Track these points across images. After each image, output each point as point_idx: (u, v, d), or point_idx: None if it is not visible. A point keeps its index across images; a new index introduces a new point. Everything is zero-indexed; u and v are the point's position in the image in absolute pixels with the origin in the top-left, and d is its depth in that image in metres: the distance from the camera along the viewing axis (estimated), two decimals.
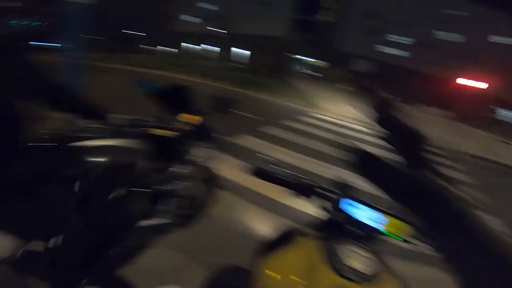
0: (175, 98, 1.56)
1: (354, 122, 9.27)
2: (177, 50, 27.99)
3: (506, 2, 27.72)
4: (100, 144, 1.14)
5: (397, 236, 0.73)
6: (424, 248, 0.71)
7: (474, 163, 8.12)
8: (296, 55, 16.80)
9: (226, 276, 0.96)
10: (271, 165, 0.86)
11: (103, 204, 1.14)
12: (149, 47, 23.52)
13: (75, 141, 1.08)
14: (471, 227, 0.32)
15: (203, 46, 28.06)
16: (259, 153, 4.29)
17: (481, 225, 0.32)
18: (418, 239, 0.74)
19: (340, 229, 0.75)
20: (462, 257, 0.33)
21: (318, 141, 5.79)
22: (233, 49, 30.41)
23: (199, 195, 1.87)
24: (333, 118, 9.43)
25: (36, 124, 0.91)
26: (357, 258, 0.67)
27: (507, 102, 34.50)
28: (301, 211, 2.75)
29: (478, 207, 3.92)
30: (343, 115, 10.14)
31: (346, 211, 0.75)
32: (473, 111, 19.34)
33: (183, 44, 32.25)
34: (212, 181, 2.04)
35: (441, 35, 34.42)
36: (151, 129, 1.41)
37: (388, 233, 0.73)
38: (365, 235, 0.75)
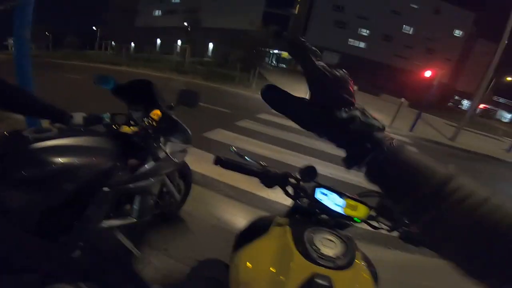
0: (138, 93, 1.50)
1: None
2: (147, 46, 26.87)
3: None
4: (61, 143, 1.08)
5: (356, 218, 0.76)
6: (381, 228, 0.77)
7: (433, 148, 8.72)
8: (266, 48, 16.79)
9: (203, 269, 0.96)
10: (237, 154, 0.88)
11: (70, 206, 1.09)
12: (113, 43, 22.35)
13: (34, 142, 1.02)
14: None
15: (172, 40, 27.20)
16: (231, 145, 4.27)
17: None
18: (376, 220, 0.78)
19: (311, 216, 0.77)
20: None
21: (288, 131, 5.86)
22: (203, 43, 29.80)
23: (171, 191, 1.84)
24: None
25: None
26: (328, 245, 0.69)
27: (463, 91, 37.42)
28: (274, 201, 2.79)
29: None
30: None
31: (317, 199, 0.76)
32: (433, 101, 20.68)
33: (152, 39, 31.05)
34: (184, 176, 2.01)
35: (403, 28, 36.24)
36: (116, 126, 1.36)
37: (346, 215, 0.76)
38: (334, 222, 0.77)
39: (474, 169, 6.80)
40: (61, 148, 1.07)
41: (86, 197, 1.16)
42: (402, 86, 27.66)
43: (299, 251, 0.66)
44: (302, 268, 0.63)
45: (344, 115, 0.34)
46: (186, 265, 1.77)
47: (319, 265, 0.63)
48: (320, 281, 0.58)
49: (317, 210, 0.77)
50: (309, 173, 0.80)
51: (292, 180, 0.81)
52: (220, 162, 0.84)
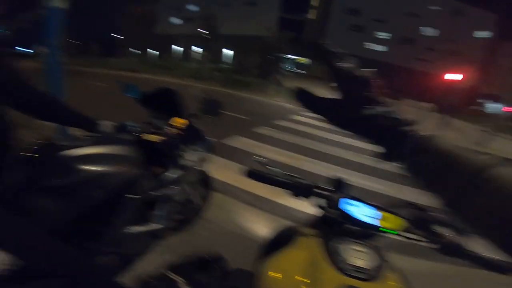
0: (163, 102, 1.53)
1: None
2: (164, 52, 27.61)
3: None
4: (90, 152, 1.11)
5: (391, 230, 0.75)
6: (418, 240, 0.75)
7: None
8: (282, 53, 16.79)
9: (229, 278, 0.94)
10: (266, 166, 0.86)
11: (97, 213, 1.11)
12: (135, 50, 23.15)
13: (64, 150, 1.05)
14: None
15: (190, 47, 27.79)
16: (253, 154, 4.28)
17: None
18: (412, 232, 0.76)
19: (340, 227, 0.76)
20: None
21: (310, 139, 5.79)
22: (220, 50, 30.30)
23: (193, 199, 1.86)
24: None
25: (23, 134, 0.86)
26: (359, 256, 0.68)
27: (491, 94, 35.93)
28: (298, 210, 2.75)
29: None
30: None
31: (344, 210, 0.76)
32: (460, 105, 19.96)
33: (170, 46, 31.89)
34: (205, 184, 2.02)
35: (424, 30, 35.44)
36: (141, 134, 1.38)
37: (383, 228, 0.74)
38: (364, 232, 0.76)
39: None
40: (90, 156, 1.09)
41: (112, 204, 1.17)
42: (423, 90, 26.88)
43: (329, 263, 0.65)
44: (333, 279, 0.62)
45: (375, 112, 0.35)
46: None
47: (351, 277, 0.62)
48: None
49: (346, 220, 0.76)
50: (339, 184, 0.80)
51: (322, 191, 0.80)
52: (252, 175, 0.82)
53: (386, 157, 0.38)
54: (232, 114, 7.04)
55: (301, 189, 0.80)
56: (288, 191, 0.81)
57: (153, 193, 1.34)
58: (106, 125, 1.33)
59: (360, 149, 5.66)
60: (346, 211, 0.76)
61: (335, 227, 0.76)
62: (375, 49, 36.18)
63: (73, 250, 0.96)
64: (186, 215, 1.88)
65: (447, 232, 0.73)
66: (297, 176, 0.84)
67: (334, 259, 0.66)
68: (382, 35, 36.00)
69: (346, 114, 0.37)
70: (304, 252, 0.71)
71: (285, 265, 0.71)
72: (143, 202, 1.32)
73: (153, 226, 1.43)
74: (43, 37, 2.16)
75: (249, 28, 29.02)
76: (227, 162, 3.65)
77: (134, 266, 1.38)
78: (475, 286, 1.91)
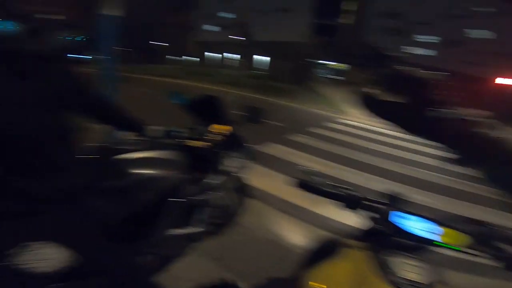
0: (206, 109, 1.58)
1: (384, 127, 8.86)
2: (201, 59, 28.61)
3: None
4: (140, 156, 1.18)
5: (453, 246, 0.72)
6: (481, 257, 0.71)
7: None
8: (317, 59, 16.52)
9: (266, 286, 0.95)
10: (313, 176, 0.86)
11: (143, 214, 1.17)
12: (174, 57, 24.29)
13: (118, 153, 1.14)
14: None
15: (226, 54, 28.55)
16: (287, 162, 4.25)
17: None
18: (474, 249, 0.73)
19: (390, 240, 0.75)
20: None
21: (347, 147, 5.59)
22: (255, 56, 30.71)
23: (231, 204, 1.88)
24: (363, 123, 8.92)
25: (81, 136, 0.94)
26: (411, 269, 0.66)
27: None
28: (335, 221, 2.69)
29: None
30: (373, 119, 9.71)
31: (397, 224, 0.74)
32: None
33: (206, 53, 33.02)
34: (243, 190, 2.03)
35: (469, 32, 32.87)
36: (185, 140, 1.43)
37: (444, 244, 0.72)
38: (417, 246, 0.74)
39: None
40: (140, 160, 1.17)
41: (158, 206, 1.23)
42: (473, 95, 24.73)
43: (378, 275, 0.64)
44: None
45: (448, 114, 0.34)
46: (239, 277, 1.78)
47: None
48: None
49: (399, 234, 0.74)
50: (394, 198, 0.78)
51: (374, 204, 0.79)
52: (303, 185, 0.82)
53: (460, 161, 0.37)
54: (267, 121, 6.97)
55: (352, 201, 0.80)
56: (338, 202, 0.80)
57: (194, 197, 1.38)
58: (154, 130, 1.40)
59: (401, 158, 5.40)
60: (398, 225, 0.74)
61: (385, 240, 0.75)
62: (418, 53, 34.23)
63: (119, 249, 1.02)
64: (223, 220, 1.91)
65: None
66: (347, 187, 0.83)
67: (384, 272, 0.65)
68: (426, 38, 33.98)
69: (417, 118, 0.37)
70: (350, 264, 0.70)
71: (329, 276, 0.70)
72: (185, 206, 1.36)
73: (192, 229, 1.47)
74: (99, 44, 2.33)
75: (284, 34, 29.05)
76: (261, 168, 3.64)
77: (169, 267, 1.43)
78: None
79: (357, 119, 9.38)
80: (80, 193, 0.99)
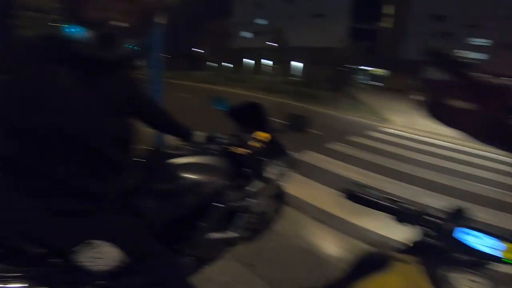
0: (249, 116, 1.58)
1: (430, 135, 8.24)
2: (237, 65, 29.27)
3: None
4: (184, 161, 1.23)
5: None
6: None
7: None
8: (355, 65, 15.93)
9: None
10: (366, 189, 0.84)
11: (188, 217, 1.22)
12: (212, 64, 25.18)
13: (164, 158, 1.20)
14: None
15: (262, 61, 28.93)
16: (324, 170, 4.15)
17: None
18: None
19: (451, 256, 0.72)
20: None
21: (389, 157, 5.31)
22: (290, 63, 30.70)
23: (268, 211, 1.87)
24: (407, 132, 8.41)
25: (136, 141, 0.98)
26: (472, 285, 0.65)
27: None
28: (368, 230, 2.61)
29: None
30: (418, 128, 8.87)
31: (461, 239, 0.72)
32: None
33: (242, 59, 33.74)
34: (281, 198, 2.02)
35: None
36: (227, 146, 1.46)
37: (507, 260, 0.70)
38: (479, 262, 0.71)
39: None
40: (189, 166, 1.21)
41: (201, 210, 1.27)
42: None
43: None
44: None
45: None
46: (270, 284, 1.78)
47: None
48: None
49: (459, 250, 0.72)
50: (457, 214, 0.76)
51: (433, 219, 0.76)
52: (351, 196, 0.81)
53: None
54: (311, 130, 6.80)
55: (407, 215, 0.77)
56: (391, 215, 0.78)
57: (233, 203, 1.39)
58: (199, 135, 1.43)
59: (452, 171, 5.01)
60: (463, 241, 0.71)
61: (445, 256, 0.72)
62: (470, 56, 31.67)
63: (164, 250, 1.04)
64: (259, 226, 1.90)
65: None
66: (402, 201, 0.80)
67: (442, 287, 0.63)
68: (478, 41, 31.35)
69: (490, 126, 0.34)
70: (401, 278, 0.68)
71: None
72: (224, 211, 1.38)
73: (229, 234, 1.48)
74: (149, 51, 2.46)
75: (319, 40, 28.70)
76: (299, 177, 3.60)
77: (204, 270, 1.44)
78: None
79: (401, 128, 8.85)
80: (132, 195, 1.04)
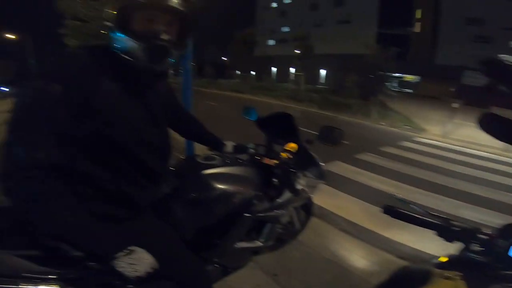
0: (279, 126, 1.57)
1: (467, 145, 7.71)
2: (263, 74, 29.51)
3: None
4: (219, 171, 1.25)
5: None
6: None
7: None
8: (385, 72, 15.31)
9: None
10: (408, 204, 0.83)
11: (217, 226, 1.23)
12: (239, 73, 25.67)
13: (204, 168, 1.23)
14: None
15: (287, 69, 28.97)
16: (353, 181, 4.04)
17: None
18: None
19: (496, 272, 0.69)
20: None
21: (425, 169, 5.05)
22: (317, 70, 30.43)
23: (295, 221, 1.85)
24: (443, 142, 7.96)
25: (171, 150, 1.00)
26: None
27: None
28: (399, 243, 2.55)
29: None
30: (455, 138, 8.44)
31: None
32: None
33: (268, 68, 33.98)
34: (309, 209, 1.98)
35: None
36: (257, 156, 1.46)
37: None
38: None
39: None
40: (221, 176, 1.23)
41: (231, 220, 1.28)
42: None
43: None
44: None
45: None
46: None
47: None
48: None
49: (506, 266, 0.69)
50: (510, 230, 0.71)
51: (483, 236, 0.73)
52: (389, 211, 0.79)
53: None
54: (345, 142, 6.58)
55: (454, 232, 0.75)
56: (431, 230, 0.76)
57: (262, 213, 1.39)
58: (229, 145, 1.45)
59: (483, 180, 4.70)
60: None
61: (490, 272, 0.69)
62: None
63: (193, 257, 1.05)
64: (285, 236, 1.88)
65: None
66: (444, 216, 0.78)
67: None
68: None
69: None
70: None
71: None
72: (252, 220, 1.37)
73: (256, 243, 1.48)
74: (181, 61, 2.53)
75: (346, 46, 28.17)
76: (326, 187, 3.53)
77: (227, 278, 1.45)
78: None
79: (436, 138, 8.36)
80: (165, 202, 1.07)
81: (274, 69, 37.06)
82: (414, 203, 0.82)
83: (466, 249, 0.75)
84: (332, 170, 4.34)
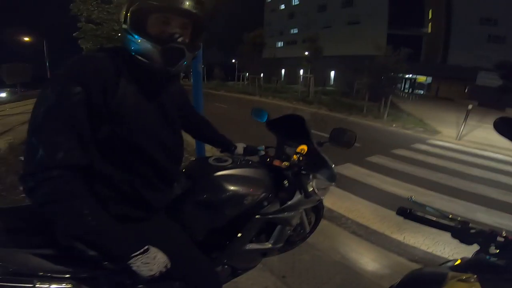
0: (290, 128, 1.57)
1: (482, 147, 7.45)
2: (272, 76, 29.46)
3: None
4: (233, 173, 1.26)
5: None
6: None
7: None
8: (396, 73, 14.97)
9: None
10: (419, 205, 0.84)
11: (228, 227, 1.24)
12: (247, 74, 25.66)
13: (216, 170, 1.24)
14: None
15: (297, 70, 28.85)
16: (364, 184, 4.00)
17: None
18: None
19: (503, 274, 0.70)
20: None
21: (433, 170, 4.93)
22: (327, 72, 30.15)
23: (305, 224, 1.85)
24: (457, 144, 7.71)
25: (183, 151, 1.01)
26: None
27: None
28: (410, 246, 2.50)
29: None
30: (469, 140, 8.20)
31: None
32: None
33: (278, 70, 33.86)
34: (317, 210, 1.98)
35: None
36: (269, 159, 1.47)
37: None
38: None
39: None
40: (233, 178, 1.24)
41: (242, 221, 1.29)
42: None
43: None
44: None
45: None
46: None
47: None
48: None
49: None
50: None
51: (499, 238, 0.73)
52: (403, 213, 0.80)
53: None
54: (358, 145, 6.55)
55: (471, 235, 0.75)
56: (446, 232, 0.77)
57: (273, 215, 1.39)
58: (240, 147, 1.46)
59: (502, 184, 4.54)
60: None
61: (507, 274, 0.69)
62: None
63: (203, 258, 1.06)
64: (295, 238, 1.88)
65: None
66: (460, 218, 0.78)
67: None
68: None
69: None
70: None
71: None
72: (262, 222, 1.38)
73: (266, 245, 1.48)
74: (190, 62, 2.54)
75: (356, 47, 27.82)
76: (336, 189, 3.51)
77: (236, 279, 1.46)
78: None
79: (450, 139, 8.15)
80: (177, 203, 1.09)
81: (283, 71, 36.95)
82: (430, 206, 0.82)
83: (481, 251, 0.74)
84: (344, 173, 4.29)
